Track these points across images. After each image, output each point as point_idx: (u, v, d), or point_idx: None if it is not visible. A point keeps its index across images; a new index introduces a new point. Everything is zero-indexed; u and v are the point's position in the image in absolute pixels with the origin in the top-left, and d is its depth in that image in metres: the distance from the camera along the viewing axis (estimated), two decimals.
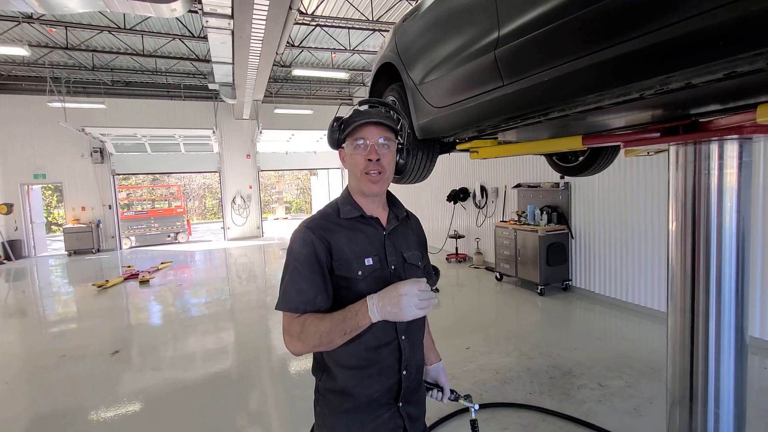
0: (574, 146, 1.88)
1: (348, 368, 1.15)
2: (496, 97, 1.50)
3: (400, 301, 1.01)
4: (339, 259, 1.13)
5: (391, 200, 1.30)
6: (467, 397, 1.46)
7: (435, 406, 2.99)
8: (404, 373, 1.18)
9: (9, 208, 11.30)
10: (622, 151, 2.63)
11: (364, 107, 1.27)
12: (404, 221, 1.30)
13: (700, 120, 1.55)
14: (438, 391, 1.40)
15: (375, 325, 1.07)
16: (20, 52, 7.16)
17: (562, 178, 5.94)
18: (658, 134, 1.60)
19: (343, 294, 1.13)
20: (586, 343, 4.17)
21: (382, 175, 1.17)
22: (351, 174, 1.20)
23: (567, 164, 3.01)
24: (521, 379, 3.42)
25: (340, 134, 1.19)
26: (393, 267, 1.18)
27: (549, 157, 3.18)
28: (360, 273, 1.13)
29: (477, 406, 1.46)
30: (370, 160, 1.15)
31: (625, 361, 3.69)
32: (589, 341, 4.20)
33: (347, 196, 1.23)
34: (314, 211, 1.29)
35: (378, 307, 1.03)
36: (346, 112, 1.26)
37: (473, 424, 1.45)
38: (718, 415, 1.66)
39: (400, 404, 1.19)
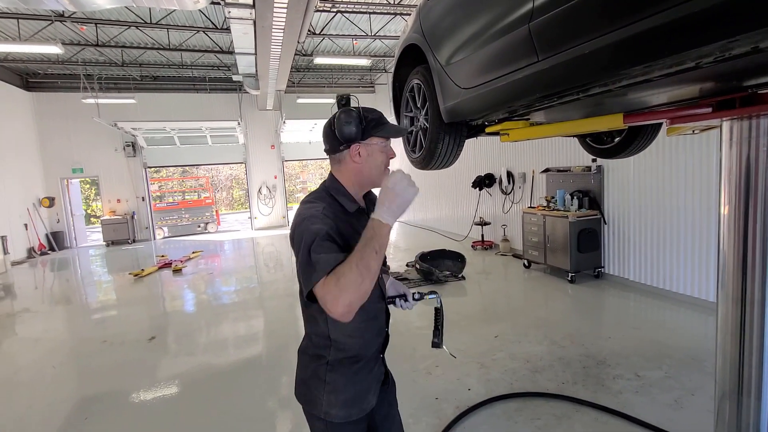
0: (614, 125, 1.76)
1: (358, 337, 1.34)
2: (531, 73, 1.40)
3: (400, 192, 1.15)
4: (347, 248, 1.17)
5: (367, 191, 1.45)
6: (431, 292, 1.64)
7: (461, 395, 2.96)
8: (387, 330, 1.45)
9: (51, 201, 11.91)
10: (662, 131, 2.47)
11: (379, 115, 1.35)
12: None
13: (759, 92, 1.41)
14: (400, 299, 1.56)
15: (372, 297, 1.17)
16: (54, 50, 7.43)
17: (594, 161, 5.70)
18: (711, 109, 1.47)
19: None
20: (621, 331, 4.02)
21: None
22: (366, 168, 1.31)
23: (602, 146, 2.85)
24: (553, 369, 3.33)
25: (368, 128, 1.28)
26: None
27: (582, 138, 3.02)
28: None
29: (440, 297, 1.63)
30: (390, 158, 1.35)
31: (663, 350, 3.54)
32: (625, 330, 4.05)
33: (340, 188, 1.33)
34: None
35: (388, 212, 1.14)
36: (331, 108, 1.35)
37: (437, 311, 1.63)
38: None
39: (382, 356, 1.46)
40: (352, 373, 1.34)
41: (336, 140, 1.29)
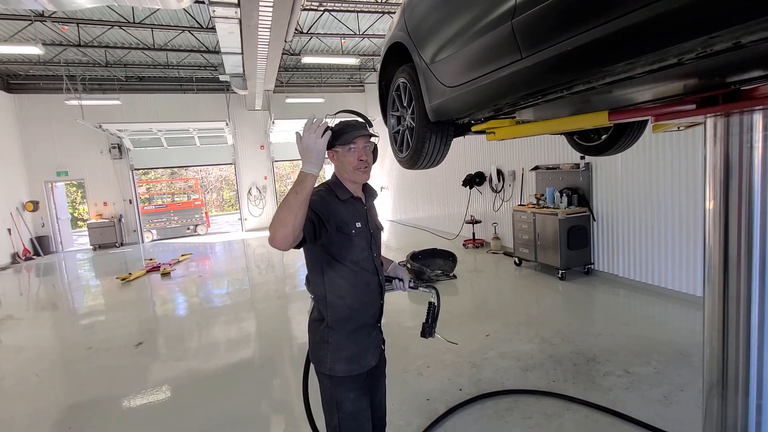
0: (600, 122, 1.75)
1: (348, 298, 1.61)
2: (515, 71, 1.38)
3: (311, 147, 1.42)
4: (339, 221, 1.57)
5: (365, 185, 1.75)
6: (428, 285, 1.83)
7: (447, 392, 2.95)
8: (382, 302, 1.73)
9: (35, 205, 11.67)
10: (648, 128, 2.48)
11: (350, 119, 1.70)
12: (373, 201, 1.80)
13: (742, 88, 1.40)
14: (399, 280, 1.82)
15: (366, 271, 1.64)
16: (35, 50, 7.26)
17: (582, 158, 5.73)
18: (694, 106, 1.46)
19: (345, 245, 1.58)
20: (610, 328, 4.05)
21: (368, 167, 1.65)
22: (343, 168, 1.64)
23: (589, 143, 2.85)
24: (544, 366, 3.34)
25: (333, 140, 1.57)
26: (372, 231, 1.70)
27: (570, 136, 3.02)
28: (353, 231, 1.61)
29: (436, 292, 1.82)
30: (361, 160, 1.61)
31: (653, 346, 3.56)
32: (614, 326, 4.08)
33: (338, 181, 1.66)
34: None
35: (308, 164, 1.42)
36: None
37: (431, 305, 1.82)
38: (760, 407, 1.55)
39: (380, 324, 1.75)
40: (349, 333, 1.62)
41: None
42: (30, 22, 7.71)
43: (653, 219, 4.90)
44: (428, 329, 1.82)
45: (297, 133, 1.48)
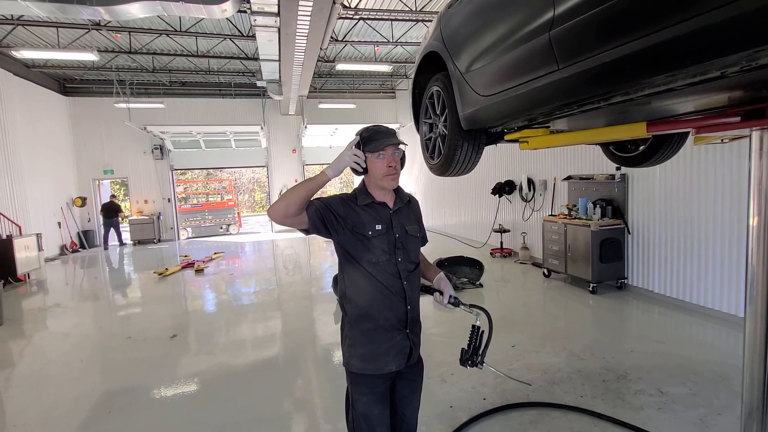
0: (637, 134, 1.72)
1: (365, 297, 1.65)
2: (551, 82, 1.40)
3: (340, 158, 1.61)
4: (356, 222, 1.64)
5: (397, 190, 1.78)
6: (474, 306, 1.68)
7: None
8: (408, 307, 1.70)
9: (83, 201, 12.42)
10: (689, 139, 2.40)
11: (380, 126, 1.75)
12: (407, 205, 1.80)
13: None
14: (439, 294, 1.74)
15: (386, 273, 1.65)
16: (90, 57, 7.80)
17: (618, 169, 5.56)
18: (739, 118, 1.42)
19: (362, 245, 1.64)
20: (643, 345, 3.89)
21: (397, 174, 1.70)
22: (372, 174, 1.68)
23: (626, 154, 2.79)
24: (571, 381, 3.25)
25: (363, 147, 1.65)
26: (397, 234, 1.69)
27: (605, 146, 2.96)
28: (371, 233, 1.64)
29: (478, 315, 1.67)
30: (390, 166, 1.66)
31: (688, 366, 3.41)
32: (648, 344, 3.92)
33: (363, 188, 1.74)
34: None
35: (330, 168, 1.61)
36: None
37: (474, 329, 1.67)
38: None
39: (408, 331, 1.69)
40: (365, 331, 1.65)
41: None
42: (87, 30, 8.28)
43: (693, 234, 4.69)
44: (470, 357, 1.64)
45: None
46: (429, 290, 1.77)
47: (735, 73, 0.97)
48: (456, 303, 1.71)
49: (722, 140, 2.27)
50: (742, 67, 0.93)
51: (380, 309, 1.65)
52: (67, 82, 12.33)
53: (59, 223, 11.43)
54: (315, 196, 1.61)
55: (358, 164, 1.61)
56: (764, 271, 1.50)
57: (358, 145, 1.64)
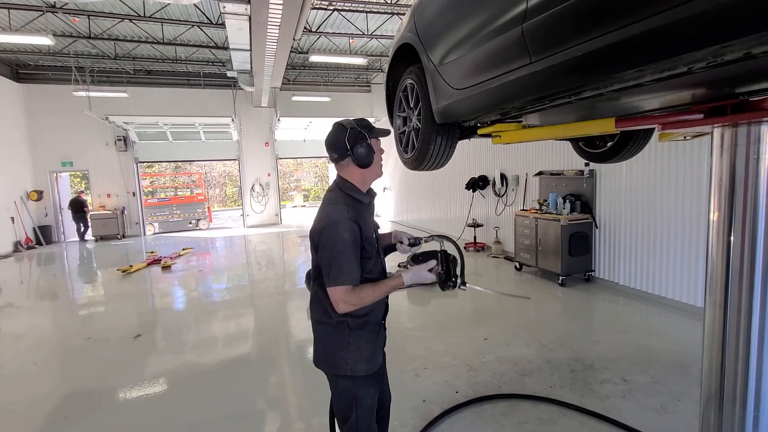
0: (606, 129, 1.75)
1: (371, 306, 1.67)
2: (523, 75, 1.39)
3: (423, 276, 1.67)
4: (366, 239, 1.64)
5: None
6: (433, 236, 1.84)
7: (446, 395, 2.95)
8: (387, 301, 1.81)
9: (39, 195, 11.72)
10: (654, 137, 2.47)
11: (368, 123, 1.76)
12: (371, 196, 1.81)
13: (750, 99, 1.40)
14: (400, 244, 1.84)
15: (376, 272, 1.72)
16: (45, 41, 7.31)
17: (587, 165, 5.72)
18: (702, 115, 1.46)
19: (366, 254, 1.65)
20: (609, 335, 4.04)
21: None
22: (375, 163, 1.70)
23: (594, 150, 2.85)
24: (541, 372, 3.33)
25: (369, 136, 1.67)
26: (376, 233, 1.78)
27: (575, 142, 3.01)
28: (375, 249, 1.71)
29: (442, 242, 1.79)
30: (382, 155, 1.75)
31: (651, 355, 3.56)
32: (613, 334, 4.07)
33: (353, 186, 1.69)
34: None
35: (409, 277, 1.65)
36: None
37: (441, 254, 1.71)
38: (757, 418, 1.55)
39: (383, 321, 1.82)
40: (368, 333, 1.71)
41: (345, 149, 1.64)
42: (42, 12, 7.75)
43: (656, 228, 4.89)
44: (448, 280, 1.66)
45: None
46: (391, 249, 1.85)
47: (701, 68, 0.98)
48: (416, 242, 1.84)
49: (685, 137, 2.34)
50: (708, 63, 0.94)
51: (377, 310, 1.75)
52: (20, 68, 11.56)
53: (12, 218, 10.75)
54: (338, 215, 1.58)
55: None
56: (723, 263, 1.55)
57: (364, 136, 1.64)
